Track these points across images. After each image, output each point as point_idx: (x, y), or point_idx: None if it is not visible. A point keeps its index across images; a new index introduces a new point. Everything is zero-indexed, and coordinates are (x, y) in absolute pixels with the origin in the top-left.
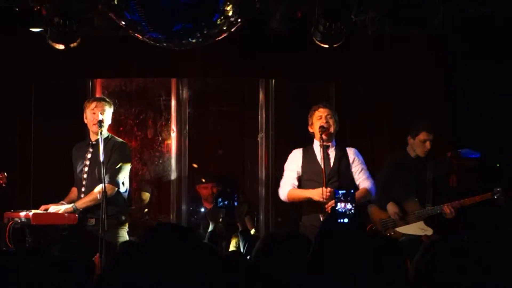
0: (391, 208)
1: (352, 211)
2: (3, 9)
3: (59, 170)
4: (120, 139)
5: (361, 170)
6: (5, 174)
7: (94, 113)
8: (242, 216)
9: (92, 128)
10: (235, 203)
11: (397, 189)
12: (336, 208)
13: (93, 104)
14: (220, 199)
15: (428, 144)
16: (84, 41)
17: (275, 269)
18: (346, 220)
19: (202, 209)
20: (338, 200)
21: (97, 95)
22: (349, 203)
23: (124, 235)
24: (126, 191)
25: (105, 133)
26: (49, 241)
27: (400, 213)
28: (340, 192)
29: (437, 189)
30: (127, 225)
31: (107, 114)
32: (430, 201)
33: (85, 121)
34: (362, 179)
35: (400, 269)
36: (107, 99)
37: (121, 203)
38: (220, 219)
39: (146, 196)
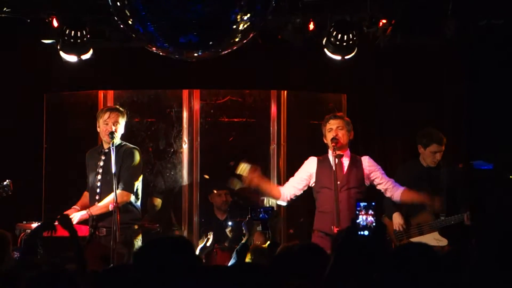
0: (396, 219)
1: (374, 223)
2: (15, 20)
3: (71, 182)
4: (131, 146)
5: (383, 176)
6: (11, 182)
7: (107, 124)
8: (275, 229)
9: (104, 138)
10: (265, 216)
11: None
12: (357, 220)
13: (106, 115)
14: (260, 210)
15: (438, 155)
16: (96, 52)
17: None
18: (366, 232)
19: (230, 223)
20: (359, 212)
21: None
22: (370, 215)
23: (138, 245)
24: (139, 201)
25: (118, 141)
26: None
27: (404, 226)
28: (362, 203)
29: (451, 199)
30: (140, 235)
31: (120, 124)
32: (444, 212)
33: (98, 129)
34: (392, 186)
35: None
36: (121, 109)
37: (134, 212)
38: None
39: (158, 202)
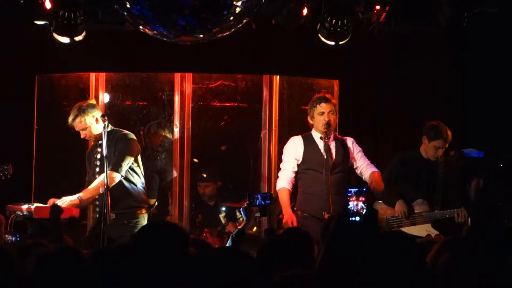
0: (400, 206)
1: (364, 209)
2: (7, 0)
3: (61, 164)
4: (123, 131)
5: (362, 156)
6: (10, 165)
7: (79, 132)
8: (273, 215)
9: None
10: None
11: (407, 188)
12: (348, 206)
13: (75, 127)
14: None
15: (440, 151)
16: (88, 34)
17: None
18: (358, 218)
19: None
20: (350, 198)
21: (101, 89)
22: (361, 201)
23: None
24: (142, 184)
25: (109, 128)
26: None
27: (407, 213)
28: (353, 189)
29: (447, 194)
30: (145, 220)
31: (88, 124)
32: (439, 205)
33: None
34: (366, 165)
35: (415, 267)
36: (77, 109)
37: (137, 196)
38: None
39: (153, 202)
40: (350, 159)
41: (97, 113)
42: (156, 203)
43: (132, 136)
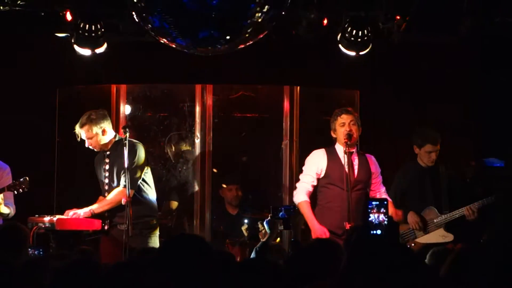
0: (412, 217)
1: (385, 222)
2: (28, 13)
3: (82, 176)
4: (132, 140)
5: (380, 181)
6: (27, 178)
7: (85, 140)
8: (297, 228)
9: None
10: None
11: (415, 201)
12: (369, 219)
13: (81, 135)
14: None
15: (433, 155)
16: (109, 46)
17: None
18: (379, 231)
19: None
20: (371, 210)
21: (122, 101)
22: (382, 214)
23: (155, 241)
24: (154, 194)
25: (116, 138)
26: (73, 247)
27: (421, 223)
28: (374, 202)
29: (453, 195)
30: (157, 230)
31: (95, 134)
32: (447, 208)
33: None
34: (382, 192)
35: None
36: (86, 117)
37: (149, 206)
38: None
39: (175, 204)
40: (370, 179)
41: (106, 124)
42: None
43: (138, 144)
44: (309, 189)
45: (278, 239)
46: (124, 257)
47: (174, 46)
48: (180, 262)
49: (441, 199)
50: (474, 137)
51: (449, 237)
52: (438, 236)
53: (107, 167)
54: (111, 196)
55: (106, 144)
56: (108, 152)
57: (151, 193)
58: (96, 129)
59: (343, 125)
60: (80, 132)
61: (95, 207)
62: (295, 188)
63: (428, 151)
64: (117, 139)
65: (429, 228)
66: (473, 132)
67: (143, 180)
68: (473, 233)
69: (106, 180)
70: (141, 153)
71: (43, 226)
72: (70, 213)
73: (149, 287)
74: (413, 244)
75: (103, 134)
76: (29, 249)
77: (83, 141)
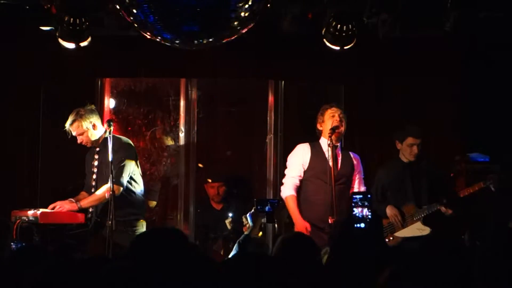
0: (390, 211)
1: (369, 216)
2: (13, 7)
3: (67, 170)
4: (120, 138)
5: (362, 180)
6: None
7: (77, 137)
8: (282, 222)
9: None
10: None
11: (397, 198)
12: (353, 213)
13: (72, 132)
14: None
15: (415, 148)
16: (94, 40)
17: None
18: (363, 225)
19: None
20: (355, 204)
21: (106, 95)
22: (366, 208)
23: None
24: (141, 191)
25: (106, 135)
26: (56, 240)
27: (400, 216)
28: (358, 196)
29: (433, 190)
30: (143, 228)
31: (86, 130)
32: (426, 203)
33: None
34: (362, 190)
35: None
36: (75, 114)
37: (136, 204)
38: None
39: (153, 204)
40: (353, 176)
41: (95, 119)
42: (157, 206)
43: (128, 141)
44: (296, 183)
45: (261, 233)
46: (107, 252)
47: (158, 40)
48: (151, 255)
49: (420, 195)
50: (460, 132)
51: (426, 230)
52: (415, 229)
53: (96, 163)
54: (100, 192)
55: (97, 140)
56: (98, 149)
57: (138, 191)
58: (86, 124)
59: (332, 116)
60: (70, 129)
61: (82, 203)
62: (282, 184)
63: (410, 143)
64: (106, 135)
65: (407, 222)
66: (459, 127)
67: (132, 178)
68: (452, 227)
69: (94, 176)
70: (131, 152)
71: (26, 219)
72: (57, 207)
73: (120, 280)
74: (391, 238)
75: (94, 129)
76: (12, 243)
77: (74, 137)
